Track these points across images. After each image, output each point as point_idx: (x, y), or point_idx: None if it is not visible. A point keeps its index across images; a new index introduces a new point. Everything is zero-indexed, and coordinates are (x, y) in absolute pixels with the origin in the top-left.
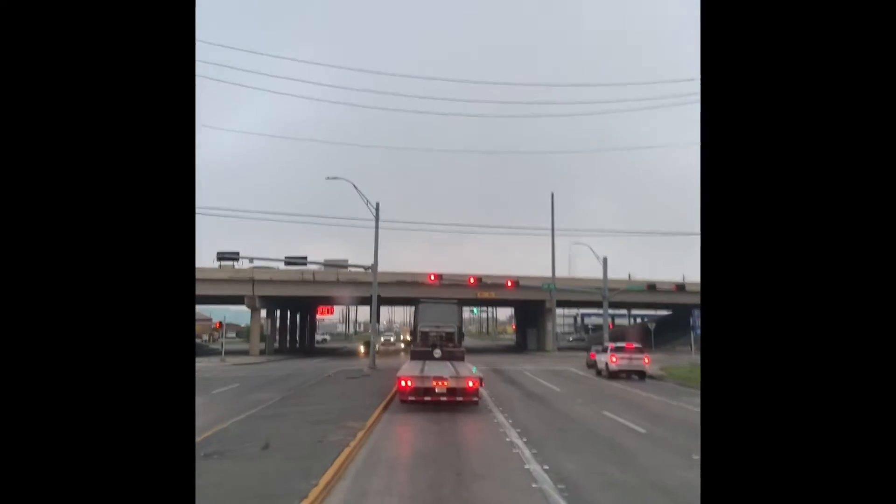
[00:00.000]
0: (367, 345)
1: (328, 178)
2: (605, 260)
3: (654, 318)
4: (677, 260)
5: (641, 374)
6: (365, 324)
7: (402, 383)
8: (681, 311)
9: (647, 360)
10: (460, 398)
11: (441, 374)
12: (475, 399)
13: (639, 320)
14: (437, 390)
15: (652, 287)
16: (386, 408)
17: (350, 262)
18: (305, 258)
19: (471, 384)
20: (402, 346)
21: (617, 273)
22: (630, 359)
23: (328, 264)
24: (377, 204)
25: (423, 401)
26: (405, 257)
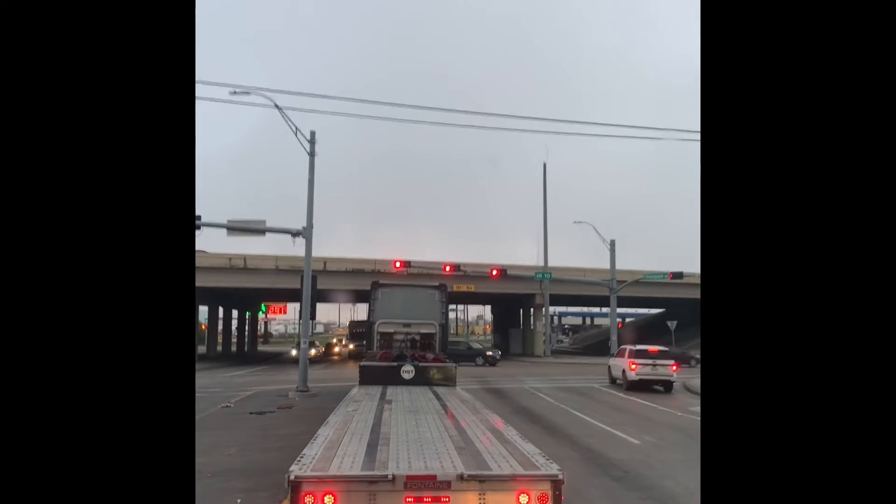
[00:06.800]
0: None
1: (233, 92)
2: (612, 243)
3: (644, 316)
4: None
5: (668, 386)
6: (325, 324)
7: None
8: (676, 308)
9: (674, 367)
10: None
11: (431, 470)
12: None
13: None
14: None
15: (678, 275)
16: None
17: (269, 225)
18: (199, 218)
19: None
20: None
21: (597, 263)
22: (653, 365)
23: (234, 226)
24: (312, 133)
25: None
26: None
